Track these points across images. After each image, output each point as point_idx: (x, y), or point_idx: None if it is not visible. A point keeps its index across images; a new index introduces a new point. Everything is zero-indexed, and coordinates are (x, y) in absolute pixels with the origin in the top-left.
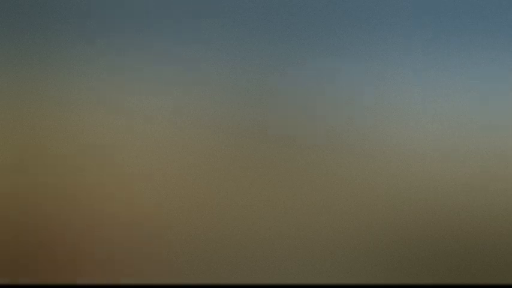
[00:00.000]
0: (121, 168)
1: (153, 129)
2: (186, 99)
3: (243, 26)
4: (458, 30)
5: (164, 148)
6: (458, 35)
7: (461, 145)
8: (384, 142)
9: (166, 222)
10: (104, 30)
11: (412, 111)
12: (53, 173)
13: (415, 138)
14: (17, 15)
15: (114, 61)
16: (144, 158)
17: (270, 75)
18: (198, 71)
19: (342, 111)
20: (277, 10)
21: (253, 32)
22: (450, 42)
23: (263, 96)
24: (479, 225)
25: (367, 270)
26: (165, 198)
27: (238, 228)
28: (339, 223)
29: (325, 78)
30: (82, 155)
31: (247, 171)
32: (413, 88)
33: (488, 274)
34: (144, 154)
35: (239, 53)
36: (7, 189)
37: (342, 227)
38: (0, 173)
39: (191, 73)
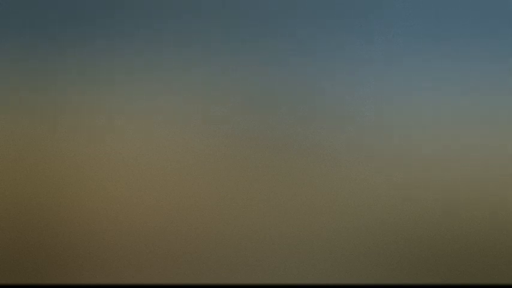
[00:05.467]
0: (121, 169)
1: (153, 130)
2: (187, 101)
3: (243, 28)
4: (457, 31)
5: (164, 149)
6: (458, 37)
7: (461, 145)
8: (384, 142)
9: (166, 222)
10: (104, 31)
11: (412, 112)
12: (53, 173)
13: (415, 138)
14: (16, 16)
15: (114, 62)
16: (144, 158)
17: (270, 76)
18: (198, 72)
19: (342, 112)
20: (277, 12)
21: (254, 35)
22: (449, 43)
23: (263, 97)
24: (479, 225)
25: (367, 270)
26: (165, 198)
27: (238, 228)
28: (339, 223)
29: (326, 79)
30: (82, 156)
31: (247, 171)
32: (413, 89)
33: (488, 274)
34: (144, 155)
35: (239, 54)
36: (7, 189)
37: (342, 227)
38: (0, 173)
39: (191, 74)
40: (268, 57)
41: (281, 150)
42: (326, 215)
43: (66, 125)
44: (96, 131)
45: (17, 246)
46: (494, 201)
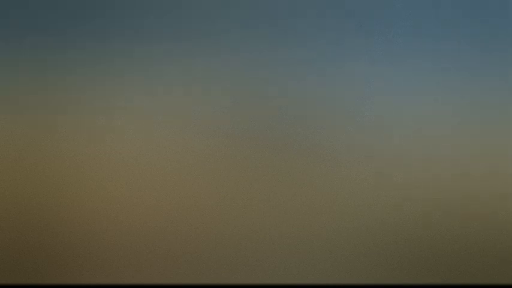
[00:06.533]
0: (121, 169)
1: (153, 130)
2: (187, 101)
3: (243, 28)
4: (456, 31)
5: (164, 149)
6: (457, 37)
7: (461, 146)
8: (384, 142)
9: (166, 222)
10: (104, 31)
11: (412, 112)
12: (53, 173)
13: (415, 138)
14: (16, 16)
15: (114, 62)
16: (144, 158)
17: (270, 76)
18: (198, 72)
19: (342, 112)
20: (278, 12)
21: (254, 35)
22: (449, 43)
23: (264, 97)
24: (479, 225)
25: (367, 270)
26: (165, 198)
27: (238, 228)
28: (339, 223)
29: (326, 79)
30: (82, 156)
31: (247, 171)
32: (413, 89)
33: (488, 274)
34: (144, 155)
35: (240, 54)
36: (7, 189)
37: (342, 227)
38: (0, 173)
39: (191, 74)
40: (268, 57)
41: (281, 150)
42: (326, 215)
43: (66, 125)
44: (96, 131)
45: (17, 246)
46: (494, 201)
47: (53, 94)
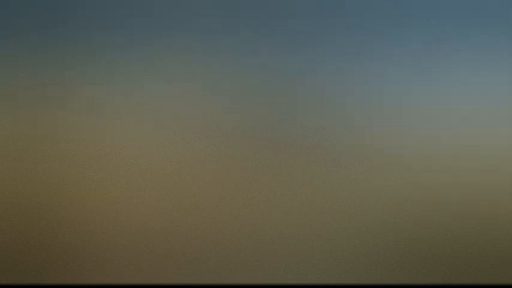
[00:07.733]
0: (121, 169)
1: (153, 130)
2: (187, 101)
3: (243, 28)
4: (457, 31)
5: (164, 149)
6: (458, 37)
7: (461, 145)
8: (384, 142)
9: (166, 222)
10: (105, 31)
11: (412, 112)
12: (53, 173)
13: (415, 139)
14: (16, 16)
15: (114, 62)
16: (144, 158)
17: (270, 76)
18: (198, 72)
19: (342, 112)
20: (278, 12)
21: (254, 35)
22: (449, 43)
23: (264, 97)
24: (479, 225)
25: (367, 270)
26: (165, 198)
27: (238, 228)
28: (339, 223)
29: (326, 79)
30: (82, 156)
31: (247, 171)
32: (413, 89)
33: (488, 274)
34: (144, 155)
35: (240, 54)
36: (7, 189)
37: (342, 227)
38: (0, 173)
39: (191, 74)
40: (268, 57)
41: (281, 150)
42: (326, 215)
43: (66, 125)
44: (96, 131)
45: (17, 246)
46: (494, 201)
47: (53, 94)
